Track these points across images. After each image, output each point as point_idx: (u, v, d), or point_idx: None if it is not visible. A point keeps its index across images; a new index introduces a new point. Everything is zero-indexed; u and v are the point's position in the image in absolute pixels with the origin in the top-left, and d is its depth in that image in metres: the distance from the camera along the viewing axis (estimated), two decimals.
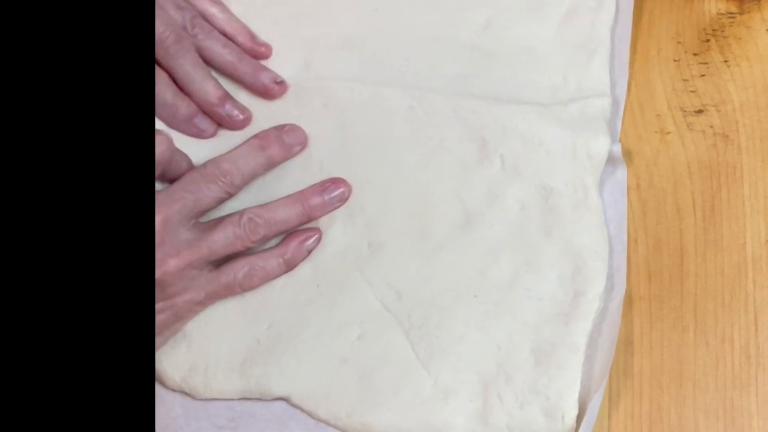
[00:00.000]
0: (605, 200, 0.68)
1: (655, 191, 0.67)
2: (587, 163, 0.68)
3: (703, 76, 0.70)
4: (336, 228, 0.69)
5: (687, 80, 0.70)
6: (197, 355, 0.67)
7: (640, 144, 0.69)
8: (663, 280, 0.65)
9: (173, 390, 0.67)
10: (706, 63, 0.70)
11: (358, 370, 0.65)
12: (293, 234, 0.68)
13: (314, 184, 0.69)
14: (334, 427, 0.65)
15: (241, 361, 0.66)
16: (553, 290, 0.65)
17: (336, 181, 0.69)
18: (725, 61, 0.70)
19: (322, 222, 0.69)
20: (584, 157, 0.68)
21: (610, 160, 0.69)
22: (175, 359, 0.67)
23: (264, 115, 0.73)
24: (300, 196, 0.69)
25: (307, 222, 0.69)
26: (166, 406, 0.66)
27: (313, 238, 0.68)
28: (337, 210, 0.69)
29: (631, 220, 0.67)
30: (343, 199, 0.69)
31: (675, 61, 0.71)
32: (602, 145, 0.68)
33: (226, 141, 0.71)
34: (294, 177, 0.70)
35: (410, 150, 0.71)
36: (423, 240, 0.68)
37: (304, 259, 0.68)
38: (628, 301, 0.65)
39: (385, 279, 0.67)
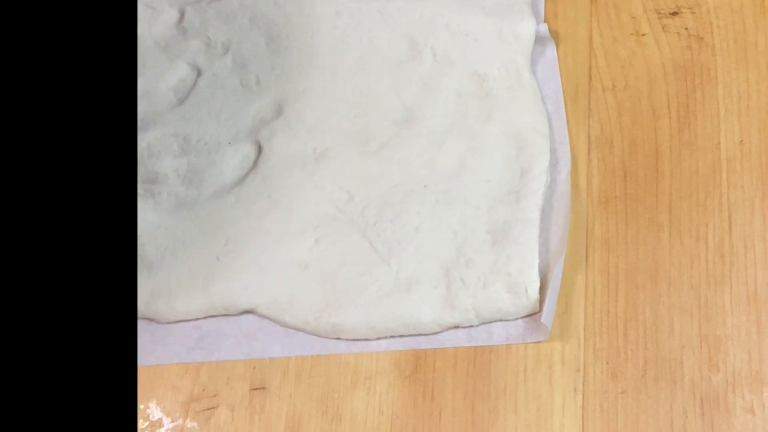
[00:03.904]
0: (539, 79, 0.69)
1: (631, 92, 0.68)
2: (516, 45, 0.69)
3: None
4: (277, 138, 0.69)
5: None
6: (158, 280, 0.66)
7: (615, 46, 0.69)
8: (638, 179, 0.65)
9: (137, 318, 0.67)
10: None
11: (320, 273, 0.65)
12: None
13: None
14: (304, 331, 0.64)
15: (203, 280, 0.66)
16: (500, 171, 0.66)
17: None
18: None
19: (262, 135, 0.69)
20: (512, 40, 0.69)
21: (539, 39, 0.69)
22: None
23: (190, 34, 0.72)
24: None
25: None
26: None
27: None
28: (274, 122, 0.69)
29: (606, 121, 0.67)
30: None
31: None
32: (528, 25, 0.69)
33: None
34: (234, 92, 0.71)
35: (342, 55, 0.71)
36: (367, 140, 0.68)
37: None
38: (604, 200, 0.65)
39: (335, 182, 0.67)
